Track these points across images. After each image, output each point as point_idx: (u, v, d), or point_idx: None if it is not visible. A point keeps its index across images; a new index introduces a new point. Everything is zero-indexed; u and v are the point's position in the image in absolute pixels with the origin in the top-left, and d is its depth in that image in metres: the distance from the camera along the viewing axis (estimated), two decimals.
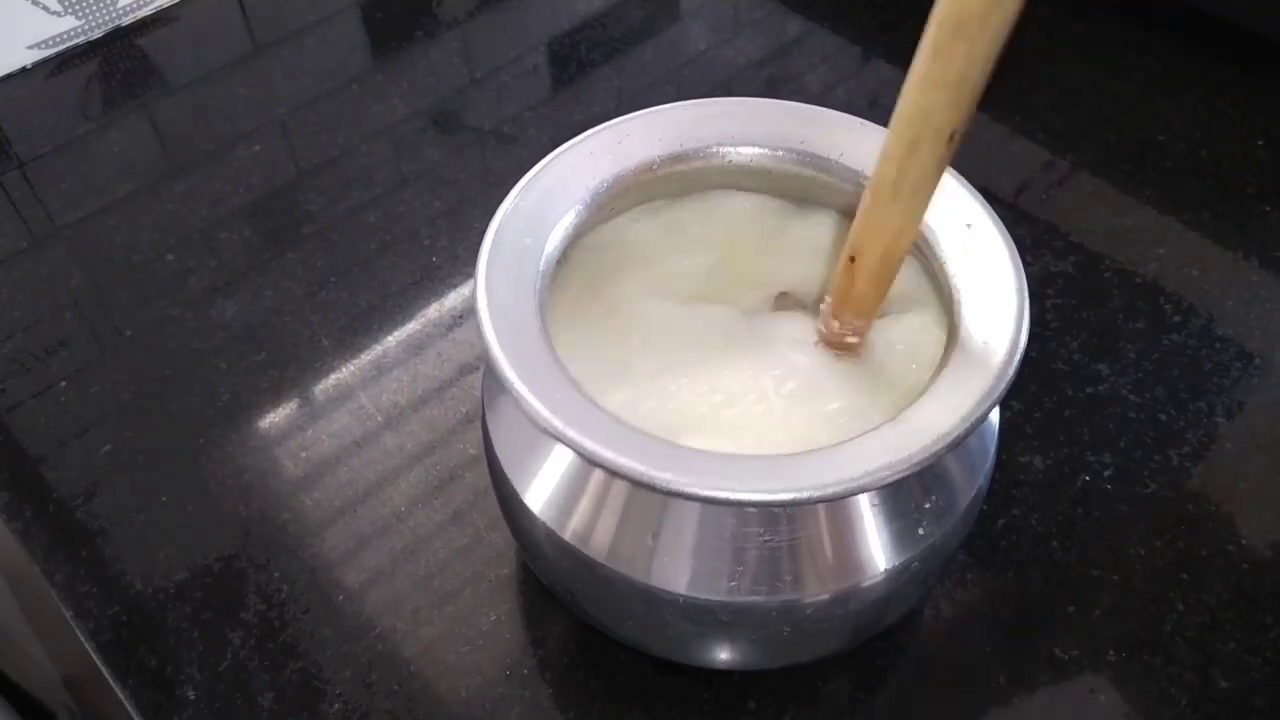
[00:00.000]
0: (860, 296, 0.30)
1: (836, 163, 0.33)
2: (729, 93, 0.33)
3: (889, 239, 0.29)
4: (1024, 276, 0.29)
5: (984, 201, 0.31)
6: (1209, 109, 0.54)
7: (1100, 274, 0.47)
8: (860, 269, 0.30)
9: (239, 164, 0.53)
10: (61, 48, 0.58)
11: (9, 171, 0.53)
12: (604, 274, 0.34)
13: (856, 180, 0.33)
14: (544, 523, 0.31)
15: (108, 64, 0.58)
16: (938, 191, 0.27)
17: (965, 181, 0.31)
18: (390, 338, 0.45)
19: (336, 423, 0.43)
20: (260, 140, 0.54)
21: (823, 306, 0.31)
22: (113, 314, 0.47)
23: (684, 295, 0.33)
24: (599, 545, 0.30)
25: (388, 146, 0.54)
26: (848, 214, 0.35)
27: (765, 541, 0.28)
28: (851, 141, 0.33)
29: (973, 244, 0.30)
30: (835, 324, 0.31)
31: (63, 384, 0.44)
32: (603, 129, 0.33)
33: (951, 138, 0.26)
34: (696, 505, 0.28)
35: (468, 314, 0.46)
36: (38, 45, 0.57)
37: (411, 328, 0.46)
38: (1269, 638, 0.36)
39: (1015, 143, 0.52)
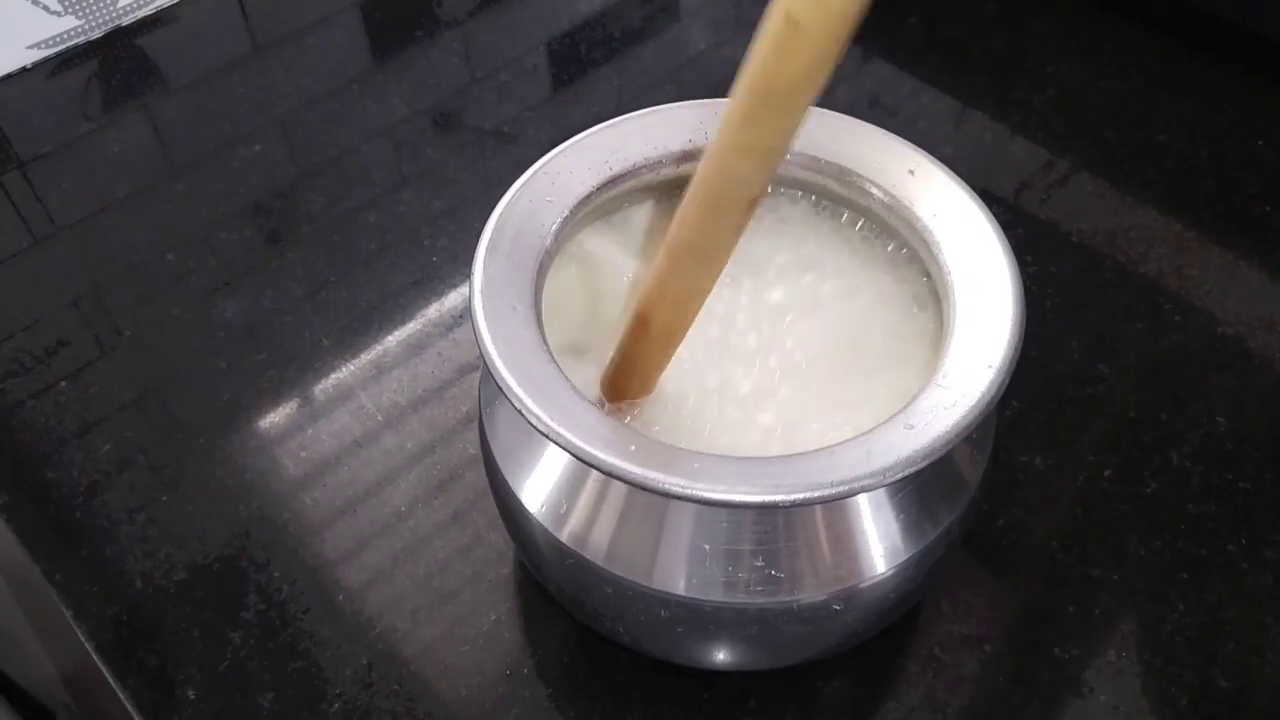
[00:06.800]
0: (647, 360, 0.30)
1: (834, 162, 0.33)
2: (729, 93, 0.33)
3: (683, 303, 0.29)
4: (1018, 274, 0.29)
5: (978, 199, 0.31)
6: (1209, 109, 0.54)
7: (1100, 274, 0.47)
8: (651, 333, 0.29)
9: (239, 164, 0.53)
10: (61, 48, 0.58)
11: (9, 171, 0.53)
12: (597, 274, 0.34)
13: (852, 180, 0.33)
14: (542, 524, 0.31)
15: (108, 64, 0.58)
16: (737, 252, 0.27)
17: (961, 180, 0.31)
18: (390, 338, 0.45)
19: (336, 423, 0.43)
20: (260, 140, 0.54)
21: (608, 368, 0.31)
22: (113, 314, 0.47)
23: None
24: (597, 547, 0.30)
25: (388, 146, 0.54)
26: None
27: (763, 543, 0.28)
28: (849, 141, 0.33)
29: (969, 243, 0.30)
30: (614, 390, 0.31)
31: (63, 384, 0.44)
32: (602, 128, 0.33)
33: (752, 204, 0.26)
34: (694, 506, 0.28)
35: (468, 314, 0.46)
36: (38, 45, 0.57)
37: (411, 328, 0.46)
38: (1269, 638, 0.36)
39: (1015, 143, 0.52)
